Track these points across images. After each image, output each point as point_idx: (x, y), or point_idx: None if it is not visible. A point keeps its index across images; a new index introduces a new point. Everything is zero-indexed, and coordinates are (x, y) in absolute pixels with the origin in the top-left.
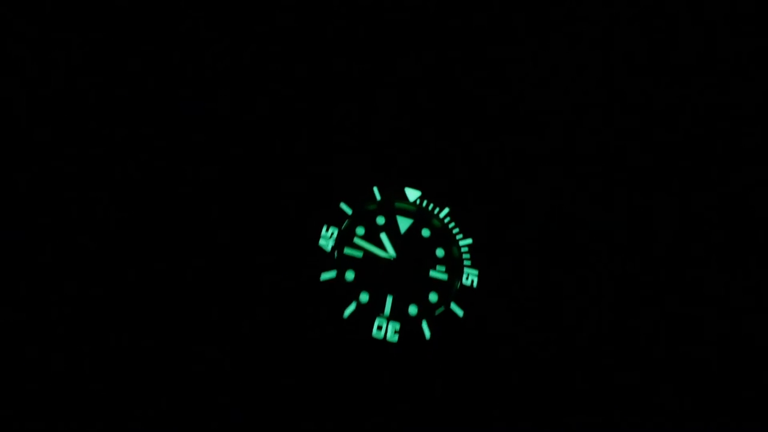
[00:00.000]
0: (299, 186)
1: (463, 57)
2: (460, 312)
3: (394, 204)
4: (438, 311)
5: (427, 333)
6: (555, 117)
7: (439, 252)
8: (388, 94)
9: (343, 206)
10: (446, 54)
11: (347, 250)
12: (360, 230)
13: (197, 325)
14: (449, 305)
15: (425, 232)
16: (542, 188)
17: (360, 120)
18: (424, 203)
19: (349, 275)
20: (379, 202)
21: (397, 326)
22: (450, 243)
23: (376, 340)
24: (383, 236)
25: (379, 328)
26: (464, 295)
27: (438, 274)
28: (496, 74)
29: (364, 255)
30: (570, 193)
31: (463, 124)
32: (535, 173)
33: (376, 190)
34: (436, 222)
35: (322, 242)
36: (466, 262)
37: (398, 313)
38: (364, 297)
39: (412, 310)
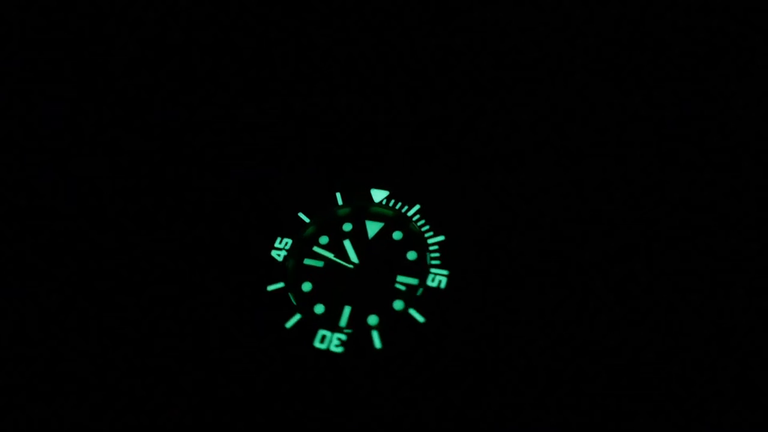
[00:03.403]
0: (256, 195)
1: (426, 42)
2: (420, 318)
3: (361, 208)
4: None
5: (378, 342)
6: (536, 108)
7: (411, 255)
8: (349, 94)
9: (301, 215)
10: (410, 41)
11: (307, 261)
12: (323, 239)
13: (139, 333)
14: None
15: (397, 235)
16: (523, 184)
17: (320, 123)
18: (391, 203)
19: (306, 286)
20: (343, 207)
21: (344, 337)
22: (421, 243)
23: (318, 351)
24: (347, 243)
25: (323, 339)
26: (429, 299)
27: (407, 279)
28: (461, 59)
29: (325, 264)
30: (554, 190)
31: (430, 117)
32: (516, 167)
33: (338, 196)
34: (412, 226)
35: (273, 253)
36: (434, 262)
37: (355, 323)
38: (319, 308)
39: (372, 320)
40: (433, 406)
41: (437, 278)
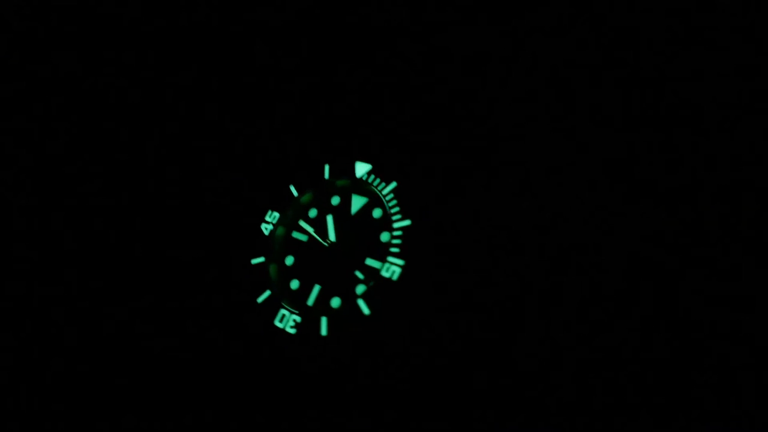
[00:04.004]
0: (247, 170)
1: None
2: (366, 309)
3: (343, 182)
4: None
5: (324, 329)
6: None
7: (384, 237)
8: (337, 69)
9: (292, 188)
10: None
11: (295, 234)
12: (312, 212)
13: (121, 300)
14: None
15: (376, 213)
16: (508, 185)
17: (310, 99)
18: (371, 178)
19: (289, 260)
20: (332, 181)
21: (299, 319)
22: (390, 226)
23: (277, 330)
24: (329, 218)
25: (282, 318)
26: (378, 290)
27: (373, 262)
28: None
29: (308, 239)
30: (540, 195)
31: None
32: (504, 166)
33: (326, 168)
34: (386, 205)
35: (262, 226)
36: (394, 249)
37: (320, 304)
38: (294, 284)
39: (335, 302)
40: (366, 399)
41: (392, 268)
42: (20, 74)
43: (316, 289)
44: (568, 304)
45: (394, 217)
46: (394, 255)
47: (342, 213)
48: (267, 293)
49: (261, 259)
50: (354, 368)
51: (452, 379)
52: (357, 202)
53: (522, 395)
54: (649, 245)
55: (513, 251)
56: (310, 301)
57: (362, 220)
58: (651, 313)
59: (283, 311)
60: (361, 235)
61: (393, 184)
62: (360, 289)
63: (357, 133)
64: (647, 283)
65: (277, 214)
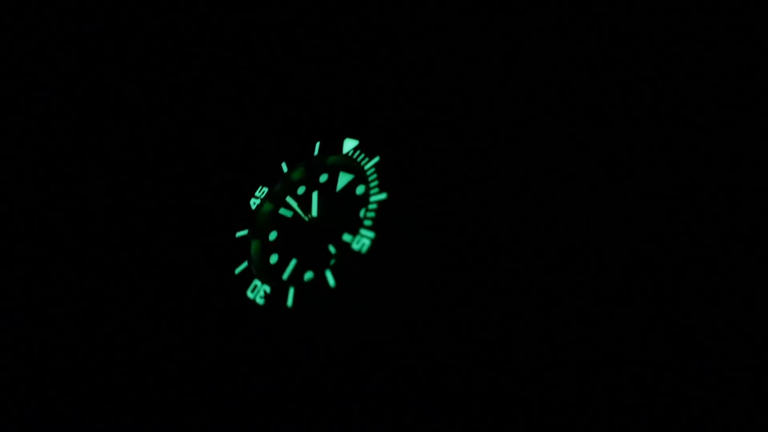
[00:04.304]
0: (239, 147)
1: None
2: (332, 281)
3: (332, 158)
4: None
5: (290, 300)
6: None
7: (362, 212)
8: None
9: (283, 165)
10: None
11: (282, 210)
12: (300, 189)
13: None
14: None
15: (359, 190)
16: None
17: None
18: (356, 154)
19: (272, 236)
20: (322, 157)
21: (269, 289)
22: (367, 200)
23: (246, 300)
24: (314, 195)
25: (254, 288)
26: (346, 262)
27: (348, 237)
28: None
29: (293, 215)
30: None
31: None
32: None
33: (317, 145)
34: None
35: (251, 201)
36: (366, 222)
37: (295, 279)
38: (273, 258)
39: (308, 275)
40: (329, 373)
41: (362, 241)
42: (20, 74)
43: (293, 263)
44: (544, 286)
45: (372, 191)
46: (367, 228)
47: (328, 190)
48: (244, 264)
49: (244, 232)
50: (318, 341)
51: (416, 355)
52: (343, 180)
53: (485, 377)
54: (649, 245)
55: (493, 237)
56: (285, 275)
57: (345, 197)
58: (651, 314)
59: (256, 282)
60: (342, 212)
61: (376, 159)
62: (330, 262)
63: (348, 113)
64: (647, 283)
65: (266, 189)
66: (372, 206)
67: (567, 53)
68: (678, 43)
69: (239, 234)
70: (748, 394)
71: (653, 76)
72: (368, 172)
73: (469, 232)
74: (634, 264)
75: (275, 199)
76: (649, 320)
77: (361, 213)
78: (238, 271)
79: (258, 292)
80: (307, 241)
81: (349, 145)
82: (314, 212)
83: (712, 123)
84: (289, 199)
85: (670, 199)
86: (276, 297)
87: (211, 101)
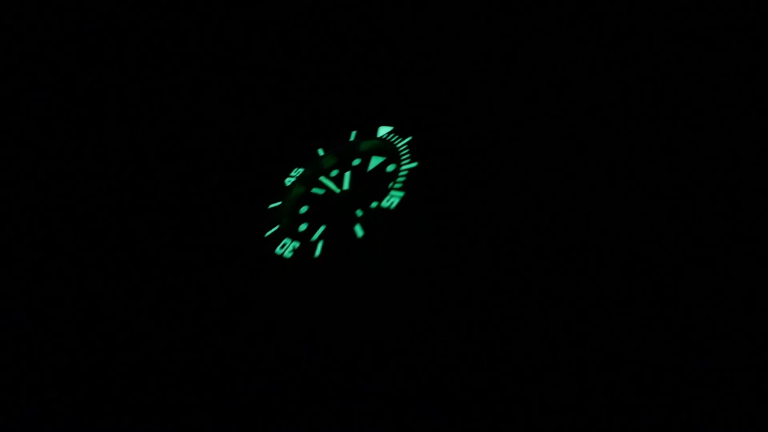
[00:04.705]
0: (239, 147)
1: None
2: (360, 232)
3: (366, 144)
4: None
5: (318, 251)
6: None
7: (392, 184)
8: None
9: (319, 150)
10: None
11: (314, 189)
12: (334, 172)
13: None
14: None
15: (390, 168)
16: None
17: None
18: (391, 137)
19: (303, 209)
20: (356, 145)
21: (298, 245)
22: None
23: (274, 256)
24: (347, 175)
25: (284, 246)
26: (375, 216)
27: (376, 204)
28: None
29: (324, 193)
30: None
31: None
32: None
33: (353, 134)
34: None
35: (287, 179)
36: (397, 185)
37: (323, 238)
38: (302, 227)
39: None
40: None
41: (392, 199)
42: (20, 74)
43: (322, 228)
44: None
45: (403, 161)
46: (397, 189)
47: (360, 170)
48: (275, 228)
49: (277, 204)
50: (345, 290)
51: (416, 355)
52: (375, 162)
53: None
54: (649, 245)
55: (517, 211)
56: (314, 237)
57: (377, 174)
58: (651, 314)
59: (285, 240)
60: (372, 185)
61: (409, 138)
62: (358, 213)
63: (382, 103)
64: (647, 283)
65: (301, 170)
66: (403, 173)
67: (567, 53)
68: (678, 43)
69: (272, 205)
70: (748, 394)
71: (653, 76)
72: (401, 150)
73: (497, 204)
74: (634, 264)
75: (308, 180)
76: (649, 320)
77: (390, 185)
78: (267, 234)
79: (287, 248)
80: (338, 210)
81: (383, 130)
82: (346, 186)
83: (712, 123)
84: (324, 179)
85: (670, 199)
86: (305, 251)
87: (211, 101)
